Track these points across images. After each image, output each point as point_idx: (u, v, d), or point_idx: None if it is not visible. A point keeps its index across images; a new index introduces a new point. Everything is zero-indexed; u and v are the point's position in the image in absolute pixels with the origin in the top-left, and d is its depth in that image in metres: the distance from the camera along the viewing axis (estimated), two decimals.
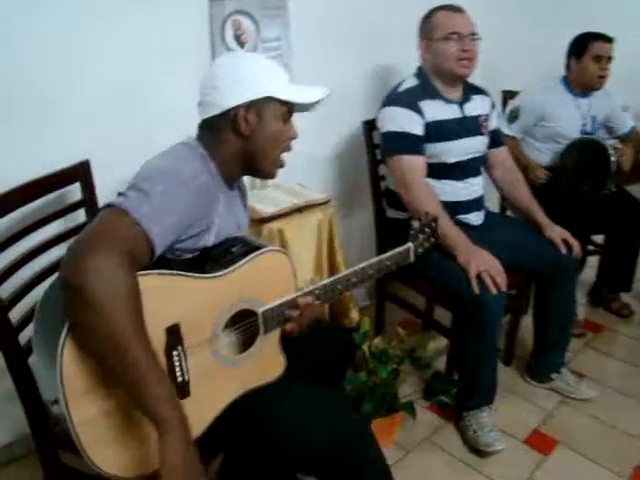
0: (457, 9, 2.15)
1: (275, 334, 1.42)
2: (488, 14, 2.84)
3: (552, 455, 2.09)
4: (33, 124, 1.74)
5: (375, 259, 1.61)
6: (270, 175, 1.45)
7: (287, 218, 2.08)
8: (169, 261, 1.24)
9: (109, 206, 1.15)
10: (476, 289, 1.94)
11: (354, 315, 2.25)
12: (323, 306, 1.59)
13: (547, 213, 2.33)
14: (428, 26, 2.16)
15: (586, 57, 2.67)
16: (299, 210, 2.11)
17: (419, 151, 2.12)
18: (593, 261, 3.02)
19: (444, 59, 2.12)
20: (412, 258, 1.72)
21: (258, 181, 2.27)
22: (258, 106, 1.33)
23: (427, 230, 1.75)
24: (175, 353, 1.21)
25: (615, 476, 2.00)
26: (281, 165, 1.44)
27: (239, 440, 1.35)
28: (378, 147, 2.34)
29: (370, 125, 2.32)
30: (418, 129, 2.11)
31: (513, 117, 2.77)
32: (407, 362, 2.05)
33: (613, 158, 2.51)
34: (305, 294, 1.43)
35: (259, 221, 2.04)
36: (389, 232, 2.37)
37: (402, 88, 2.21)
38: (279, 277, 1.41)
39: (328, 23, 2.36)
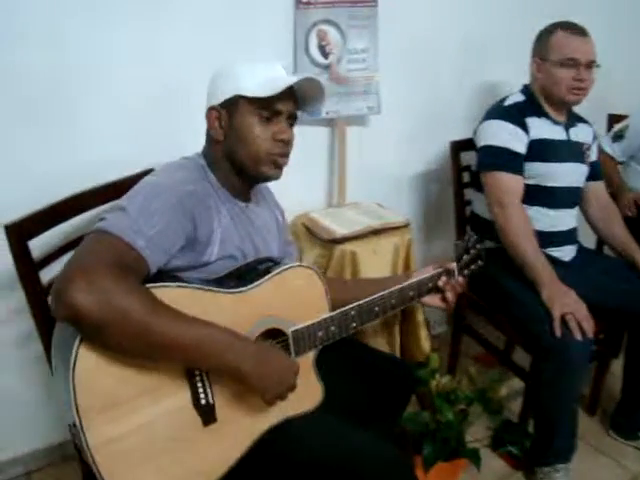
0: (580, 31, 1.97)
1: (309, 357, 1.33)
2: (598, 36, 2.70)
3: None
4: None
5: (415, 279, 1.50)
6: (265, 177, 1.34)
7: (361, 240, 1.97)
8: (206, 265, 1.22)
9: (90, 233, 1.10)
10: (558, 332, 1.76)
11: (426, 346, 2.11)
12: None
13: None
14: (545, 44, 2.00)
15: None
16: (375, 232, 2.00)
17: (519, 170, 1.97)
18: None
19: (555, 84, 1.97)
20: (457, 277, 1.60)
21: (335, 199, 2.18)
22: (230, 107, 1.28)
23: (472, 252, 1.63)
24: (197, 372, 1.15)
25: None
26: (276, 164, 1.31)
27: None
28: (466, 169, 2.20)
29: (458, 146, 2.18)
30: (521, 147, 1.97)
31: (618, 136, 2.55)
32: (477, 404, 1.90)
33: None
34: (357, 307, 1.37)
35: (331, 241, 1.94)
36: None
37: (508, 102, 2.07)
38: (310, 296, 1.34)
39: (419, 37, 2.24)
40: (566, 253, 2.09)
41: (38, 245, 1.35)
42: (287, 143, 1.31)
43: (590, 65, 1.95)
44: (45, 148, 1.66)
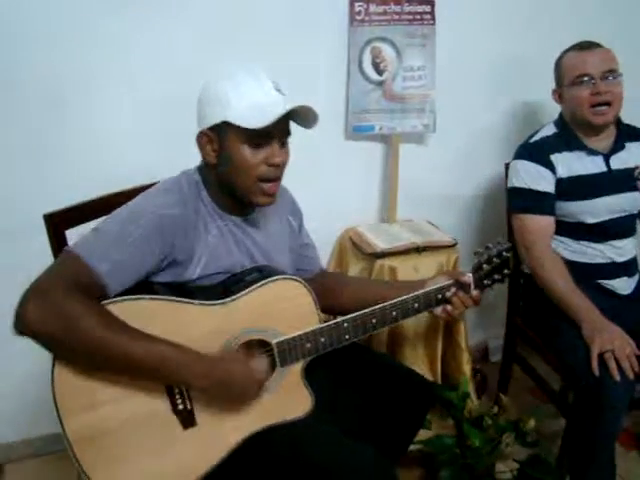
0: (587, 46, 1.87)
1: (296, 368, 1.34)
2: None
3: None
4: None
5: (421, 291, 1.45)
6: (256, 204, 1.34)
7: (403, 256, 1.98)
8: (177, 285, 1.25)
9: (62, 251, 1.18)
10: (596, 371, 1.66)
11: (466, 370, 2.07)
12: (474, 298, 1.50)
13: None
14: (558, 72, 1.94)
15: None
16: (417, 250, 2.00)
17: (545, 210, 1.89)
18: None
19: (576, 106, 1.87)
20: (473, 289, 1.51)
21: (387, 215, 2.21)
22: (220, 132, 1.27)
23: (495, 260, 1.53)
24: None
25: None
26: (264, 192, 1.31)
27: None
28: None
29: None
30: (547, 186, 1.89)
31: None
32: (510, 434, 1.84)
33: None
34: (351, 319, 1.36)
35: (372, 255, 1.96)
36: (523, 286, 2.13)
37: (536, 138, 1.99)
38: (296, 307, 1.34)
39: (477, 56, 2.22)
40: (622, 286, 1.96)
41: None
42: (279, 166, 1.30)
43: (606, 76, 1.83)
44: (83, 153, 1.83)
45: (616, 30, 1.95)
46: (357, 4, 1.98)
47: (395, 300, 1.42)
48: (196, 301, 1.22)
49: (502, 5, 2.22)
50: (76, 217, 1.47)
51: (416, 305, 1.45)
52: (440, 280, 1.51)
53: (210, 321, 1.22)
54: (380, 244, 1.99)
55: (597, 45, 1.87)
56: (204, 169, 1.36)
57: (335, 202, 2.04)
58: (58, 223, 1.43)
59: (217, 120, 1.26)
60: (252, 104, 1.24)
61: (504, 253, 1.55)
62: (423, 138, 2.25)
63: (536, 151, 1.95)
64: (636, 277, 2.02)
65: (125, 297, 1.15)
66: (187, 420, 1.22)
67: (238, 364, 1.21)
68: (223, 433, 1.26)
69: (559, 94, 1.95)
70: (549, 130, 1.98)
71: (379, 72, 2.05)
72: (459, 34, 2.15)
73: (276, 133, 1.27)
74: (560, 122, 1.98)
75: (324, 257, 2.14)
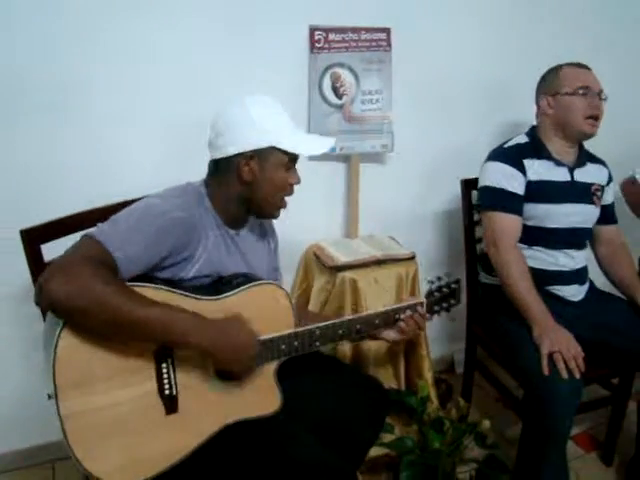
0: (585, 66, 2.03)
1: (270, 368, 1.44)
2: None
3: None
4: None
5: (384, 309, 1.59)
6: (271, 216, 1.53)
7: (364, 269, 2.08)
8: (174, 282, 1.36)
9: (83, 236, 1.27)
10: (546, 370, 1.77)
11: (428, 377, 2.16)
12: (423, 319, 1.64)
13: None
14: (554, 80, 2.04)
15: None
16: (377, 262, 2.10)
17: (514, 210, 2.00)
18: None
19: (572, 114, 1.99)
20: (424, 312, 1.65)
21: (349, 231, 2.31)
22: (261, 155, 1.41)
23: (445, 290, 1.67)
24: (164, 365, 1.29)
25: None
26: (282, 207, 1.50)
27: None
28: (475, 207, 2.26)
29: (469, 185, 2.24)
30: (518, 187, 2.00)
31: None
32: (469, 437, 1.92)
33: None
34: (320, 328, 1.48)
35: (334, 268, 2.06)
36: (482, 297, 2.25)
37: (510, 144, 2.11)
38: (275, 311, 1.46)
39: (431, 79, 2.35)
40: (572, 292, 2.07)
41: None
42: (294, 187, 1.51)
43: (600, 94, 1.99)
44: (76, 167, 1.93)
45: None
46: (317, 33, 2.10)
47: (361, 315, 1.57)
48: (191, 295, 1.33)
49: (456, 29, 2.36)
50: (51, 233, 1.56)
51: (377, 321, 1.58)
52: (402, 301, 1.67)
53: (202, 313, 1.31)
54: (341, 258, 2.09)
55: (590, 68, 2.03)
56: (215, 184, 1.48)
57: (300, 219, 2.11)
58: (34, 238, 1.51)
59: (264, 145, 1.40)
60: (293, 134, 1.44)
61: (452, 285, 1.70)
62: (382, 158, 2.36)
63: (510, 155, 2.07)
64: (586, 285, 2.13)
65: (134, 283, 1.25)
66: (170, 406, 1.31)
67: (240, 326, 1.33)
68: (200, 423, 1.36)
69: (550, 101, 2.05)
70: (521, 139, 2.12)
71: (338, 96, 2.16)
72: (414, 59, 2.26)
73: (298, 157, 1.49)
74: (532, 133, 2.12)
75: (291, 271, 2.25)
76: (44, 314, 1.33)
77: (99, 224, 1.30)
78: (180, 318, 1.24)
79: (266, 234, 1.68)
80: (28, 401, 2.06)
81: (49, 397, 1.21)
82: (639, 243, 2.45)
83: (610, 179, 2.17)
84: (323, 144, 1.47)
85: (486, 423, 1.88)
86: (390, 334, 1.64)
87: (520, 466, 1.97)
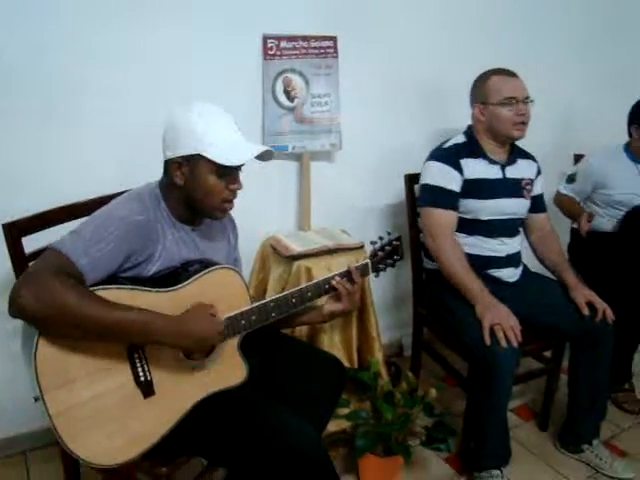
0: (511, 73, 2.21)
1: (233, 342, 1.58)
2: (563, 85, 3.09)
3: None
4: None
5: (329, 274, 1.75)
6: (214, 217, 1.61)
7: (317, 258, 2.23)
8: (137, 279, 1.47)
9: (46, 249, 1.38)
10: (488, 340, 1.97)
11: (378, 356, 2.34)
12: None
13: (608, 280, 2.44)
14: (483, 90, 2.23)
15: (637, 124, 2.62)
16: (329, 252, 2.26)
17: (451, 206, 2.20)
18: None
19: (500, 123, 2.19)
20: (371, 273, 1.84)
21: (302, 223, 2.48)
22: (191, 161, 1.48)
23: (387, 248, 1.85)
24: (136, 355, 1.41)
25: None
26: (225, 210, 1.57)
27: (208, 441, 1.52)
28: (416, 202, 2.44)
29: (412, 179, 2.44)
30: (454, 185, 2.19)
31: (570, 179, 2.79)
32: (418, 407, 2.10)
33: None
34: (274, 300, 1.62)
35: (289, 257, 2.22)
36: (426, 281, 2.46)
37: (448, 144, 2.30)
38: (232, 291, 1.59)
39: (375, 83, 2.55)
40: (508, 275, 2.29)
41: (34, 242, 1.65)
42: (238, 190, 1.56)
43: (526, 100, 2.18)
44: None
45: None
46: (269, 41, 2.26)
47: (309, 283, 1.72)
48: (153, 289, 1.44)
49: (397, 38, 2.56)
50: (32, 226, 1.67)
51: (326, 286, 1.73)
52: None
53: (164, 304, 1.43)
54: (296, 248, 2.24)
55: (515, 73, 2.20)
56: (165, 186, 1.57)
57: (258, 213, 2.27)
58: (16, 231, 1.62)
59: (192, 152, 1.47)
60: (225, 143, 1.48)
61: (394, 242, 1.86)
62: (332, 156, 2.54)
63: (448, 155, 2.25)
64: (521, 268, 2.35)
65: (97, 287, 1.36)
66: (147, 390, 1.43)
67: (200, 317, 1.45)
68: (177, 400, 1.49)
69: (481, 109, 2.23)
70: (459, 139, 2.30)
71: (290, 99, 2.33)
72: (360, 65, 2.46)
73: (237, 166, 1.53)
74: (469, 133, 2.29)
75: (249, 262, 2.38)
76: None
77: (62, 236, 1.40)
78: (141, 320, 1.34)
79: (226, 229, 1.80)
80: None
81: (35, 400, 1.32)
82: (566, 231, 2.76)
83: (539, 172, 2.39)
84: (247, 155, 1.50)
85: (433, 392, 2.07)
86: (333, 305, 1.79)
87: (467, 430, 2.18)
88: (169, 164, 1.53)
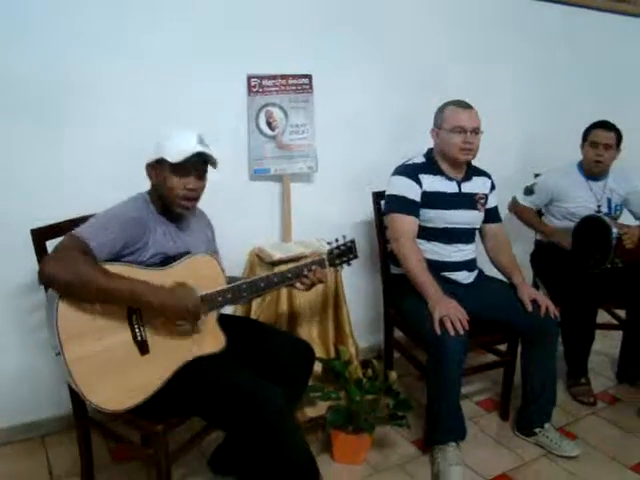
0: (465, 106, 2.54)
1: (213, 316, 1.94)
2: (531, 114, 3.49)
3: None
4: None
5: (293, 266, 2.10)
6: (178, 211, 1.95)
7: (295, 263, 2.54)
8: (135, 264, 1.84)
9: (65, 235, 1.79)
10: (437, 330, 2.26)
11: (352, 350, 2.65)
12: (325, 273, 2.17)
13: (564, 280, 2.78)
14: (440, 117, 2.56)
15: (586, 143, 2.98)
16: (306, 258, 2.58)
17: (413, 213, 2.51)
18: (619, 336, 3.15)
19: (449, 147, 2.52)
20: (327, 266, 2.18)
21: (285, 236, 2.82)
22: (160, 164, 1.91)
23: (342, 247, 2.21)
24: (134, 318, 1.78)
25: None
26: (183, 206, 1.93)
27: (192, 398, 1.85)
28: (383, 213, 2.75)
29: (378, 196, 2.77)
30: (415, 195, 2.51)
31: (529, 192, 3.13)
32: (382, 388, 2.40)
33: (614, 234, 2.71)
34: (246, 282, 1.98)
35: (270, 263, 2.55)
36: (393, 285, 2.76)
37: (409, 162, 2.63)
38: (211, 274, 1.97)
39: (346, 113, 2.93)
40: (463, 277, 2.60)
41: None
42: (193, 190, 1.93)
43: (475, 131, 2.50)
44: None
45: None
46: (253, 79, 2.65)
47: (276, 272, 2.06)
48: (147, 268, 1.84)
49: (362, 73, 2.93)
50: (53, 232, 2.03)
51: (289, 275, 2.08)
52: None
53: (155, 280, 1.78)
54: (276, 255, 2.57)
55: (471, 106, 2.53)
56: (151, 192, 2.00)
57: (246, 228, 2.61)
58: (41, 236, 1.99)
59: (158, 157, 1.90)
60: (177, 148, 1.88)
61: (348, 243, 2.24)
62: (309, 177, 2.89)
63: (409, 170, 2.59)
64: (476, 272, 2.66)
65: (105, 262, 1.75)
66: (143, 348, 1.79)
67: (184, 290, 1.83)
68: (168, 360, 1.84)
69: (437, 132, 2.57)
70: (419, 159, 2.64)
71: (272, 128, 2.70)
72: (332, 98, 2.82)
73: (192, 168, 1.91)
74: (428, 155, 2.63)
75: (239, 269, 2.70)
76: (46, 291, 1.80)
77: (80, 226, 1.80)
78: (138, 286, 1.72)
79: (203, 226, 2.19)
80: (17, 380, 2.47)
81: (57, 354, 1.67)
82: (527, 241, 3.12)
83: (493, 188, 2.71)
84: (187, 154, 1.86)
85: (393, 374, 2.38)
86: (298, 285, 2.13)
87: (428, 410, 2.44)
88: (147, 168, 1.96)
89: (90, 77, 2.35)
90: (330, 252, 2.20)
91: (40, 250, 1.99)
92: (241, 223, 2.35)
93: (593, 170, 3.01)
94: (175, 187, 1.90)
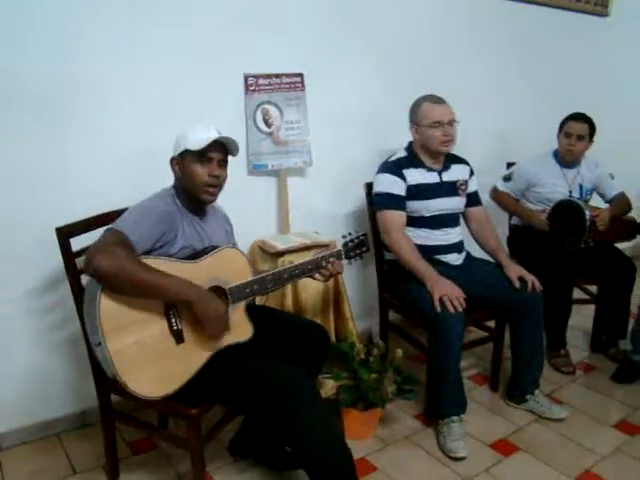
0: (439, 100, 2.71)
1: (241, 305, 2.05)
2: (505, 106, 3.72)
3: (511, 457, 2.47)
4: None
5: (311, 258, 2.21)
6: (202, 200, 2.06)
7: (298, 253, 2.68)
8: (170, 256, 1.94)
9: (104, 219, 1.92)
10: (438, 308, 2.43)
11: (353, 333, 2.79)
12: (341, 266, 2.29)
13: (541, 261, 2.96)
14: (416, 114, 2.72)
15: (561, 134, 3.21)
16: (308, 248, 2.72)
17: (400, 207, 2.67)
18: (591, 310, 3.40)
19: (430, 141, 2.68)
20: (343, 258, 2.30)
21: (283, 228, 2.94)
22: (183, 156, 2.03)
23: (355, 240, 2.34)
24: (170, 312, 1.87)
25: (563, 476, 2.34)
26: (209, 192, 2.04)
27: (222, 385, 1.94)
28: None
29: (370, 187, 2.89)
30: (400, 190, 2.67)
31: (507, 178, 3.34)
32: (390, 371, 2.55)
33: (587, 217, 2.95)
34: (270, 274, 2.08)
35: (274, 254, 2.68)
36: (387, 270, 2.92)
37: (392, 158, 2.79)
38: (238, 266, 2.09)
39: (337, 110, 3.08)
40: (453, 259, 2.77)
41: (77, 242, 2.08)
42: (217, 177, 2.04)
43: (451, 123, 2.67)
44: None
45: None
46: (250, 79, 2.77)
47: (297, 263, 2.17)
48: (180, 261, 1.93)
49: (351, 73, 3.10)
50: (78, 230, 2.11)
51: (310, 267, 2.20)
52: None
53: (190, 272, 1.88)
54: (280, 246, 2.70)
55: (443, 100, 2.69)
56: (174, 185, 2.10)
57: (247, 221, 2.68)
58: (66, 233, 2.06)
59: (182, 149, 2.02)
60: (197, 138, 2.00)
61: (361, 237, 2.37)
62: (304, 171, 3.03)
63: (393, 167, 2.73)
64: (464, 253, 2.83)
65: (143, 256, 1.83)
66: (179, 338, 1.88)
67: (217, 299, 1.90)
68: (201, 348, 1.93)
69: (416, 129, 2.72)
70: (401, 154, 2.79)
71: (268, 125, 2.83)
72: (323, 95, 2.97)
73: (214, 156, 2.03)
74: (409, 148, 2.78)
75: None
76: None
77: (115, 221, 1.88)
78: (174, 283, 1.81)
79: (223, 221, 2.30)
80: (32, 380, 2.52)
81: (98, 344, 1.76)
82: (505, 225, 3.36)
83: (472, 173, 2.89)
84: (209, 140, 1.97)
85: (399, 352, 2.52)
86: (317, 276, 2.25)
87: (429, 388, 2.63)
88: (172, 163, 2.07)
89: (91, 78, 2.42)
90: (345, 245, 2.33)
91: (65, 248, 2.06)
92: (240, 217, 2.44)
93: (566, 158, 3.24)
94: (200, 175, 2.01)
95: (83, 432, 2.62)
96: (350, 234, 2.37)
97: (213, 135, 2.01)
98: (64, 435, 2.61)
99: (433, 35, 3.42)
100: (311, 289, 2.71)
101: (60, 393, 2.60)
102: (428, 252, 2.69)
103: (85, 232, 2.13)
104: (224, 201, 2.32)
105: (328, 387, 2.64)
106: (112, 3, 2.39)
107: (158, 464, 2.41)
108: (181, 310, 1.89)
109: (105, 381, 2.11)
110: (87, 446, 2.51)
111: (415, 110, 2.74)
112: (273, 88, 2.82)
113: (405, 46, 3.31)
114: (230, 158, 2.11)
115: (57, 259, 2.06)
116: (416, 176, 2.72)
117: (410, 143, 2.81)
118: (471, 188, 2.89)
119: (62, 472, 2.37)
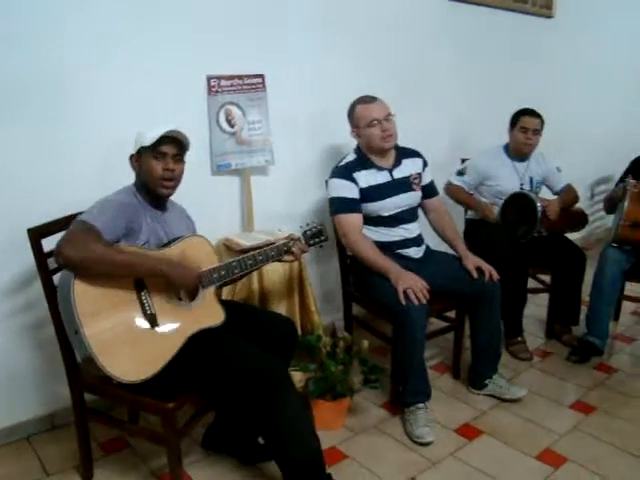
0: (371, 99, 2.76)
1: (210, 290, 2.13)
2: (458, 104, 3.86)
3: (475, 440, 2.57)
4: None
5: (274, 245, 2.30)
6: (159, 193, 2.14)
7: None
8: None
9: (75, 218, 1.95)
10: (402, 301, 2.50)
11: (317, 320, 2.86)
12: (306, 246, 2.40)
13: (495, 252, 3.03)
14: (353, 118, 2.79)
15: (516, 128, 3.34)
16: (271, 244, 2.76)
17: (355, 210, 2.73)
18: (545, 298, 3.55)
19: (372, 140, 2.74)
20: (303, 242, 2.40)
21: (247, 226, 2.99)
22: (139, 153, 2.13)
23: (313, 229, 2.44)
24: (142, 293, 1.93)
25: (524, 455, 2.45)
26: (164, 186, 2.12)
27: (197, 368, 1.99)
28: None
29: None
30: (353, 194, 2.72)
31: (461, 173, 3.44)
32: (356, 362, 2.62)
33: (539, 207, 3.09)
34: (236, 260, 2.16)
35: (239, 252, 2.71)
36: (350, 265, 3.00)
37: (342, 162, 2.83)
38: (205, 253, 2.18)
39: (296, 110, 3.14)
40: (414, 252, 2.85)
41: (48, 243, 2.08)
42: (172, 171, 2.12)
43: (387, 118, 2.73)
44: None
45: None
46: (212, 80, 2.80)
47: (259, 250, 2.25)
48: (150, 250, 2.02)
49: (309, 74, 3.15)
50: (49, 230, 2.13)
51: (272, 253, 2.28)
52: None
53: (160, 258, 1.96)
54: (245, 243, 2.73)
55: (375, 97, 2.76)
56: (136, 182, 2.18)
57: (211, 219, 2.72)
58: (37, 234, 2.07)
59: (139, 146, 2.13)
60: (152, 135, 2.08)
61: (319, 226, 2.47)
62: (267, 170, 3.09)
63: (343, 171, 2.78)
64: (423, 246, 2.91)
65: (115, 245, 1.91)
66: (153, 322, 1.94)
67: (185, 263, 2.01)
68: (176, 332, 1.99)
69: (357, 132, 2.79)
70: (351, 157, 2.84)
71: (231, 126, 2.87)
72: (283, 96, 3.02)
73: (167, 151, 2.11)
74: (357, 151, 2.84)
75: None
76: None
77: (84, 212, 1.94)
78: (148, 256, 1.96)
79: (183, 215, 2.36)
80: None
81: (76, 332, 1.80)
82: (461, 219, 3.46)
83: (425, 165, 2.94)
84: (159, 134, 2.07)
85: (364, 343, 2.60)
86: (286, 257, 2.35)
87: (394, 378, 2.72)
88: (131, 160, 2.17)
89: (58, 78, 2.42)
90: (304, 233, 2.41)
91: (36, 249, 2.07)
92: (205, 215, 2.48)
93: (524, 151, 3.38)
94: (155, 169, 2.10)
95: (53, 434, 2.61)
96: (308, 224, 2.46)
97: (164, 129, 2.09)
98: (33, 438, 2.59)
99: (394, 35, 3.55)
100: (275, 281, 2.78)
101: (27, 395, 2.58)
102: (388, 248, 2.77)
103: (57, 232, 2.13)
104: (189, 200, 2.38)
105: (296, 379, 2.69)
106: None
107: (130, 462, 2.42)
108: (153, 293, 1.96)
109: (79, 380, 2.13)
110: (58, 448, 2.50)
111: (351, 115, 2.81)
112: (235, 89, 2.87)
113: (366, 46, 3.42)
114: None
115: (26, 261, 2.07)
116: (367, 178, 2.77)
117: (358, 146, 2.86)
118: (426, 180, 2.95)
119: (34, 475, 2.36)
